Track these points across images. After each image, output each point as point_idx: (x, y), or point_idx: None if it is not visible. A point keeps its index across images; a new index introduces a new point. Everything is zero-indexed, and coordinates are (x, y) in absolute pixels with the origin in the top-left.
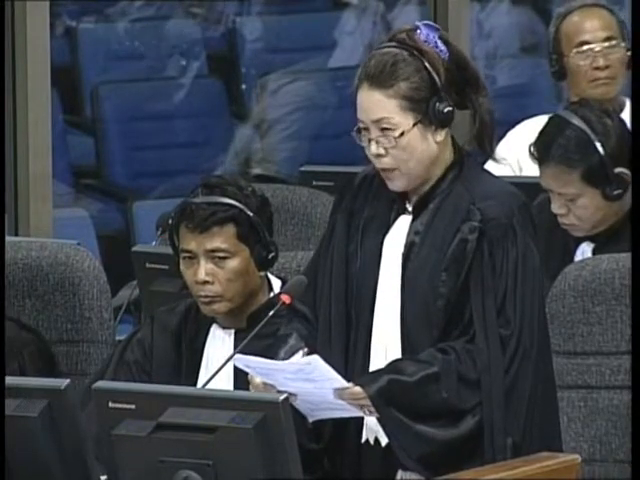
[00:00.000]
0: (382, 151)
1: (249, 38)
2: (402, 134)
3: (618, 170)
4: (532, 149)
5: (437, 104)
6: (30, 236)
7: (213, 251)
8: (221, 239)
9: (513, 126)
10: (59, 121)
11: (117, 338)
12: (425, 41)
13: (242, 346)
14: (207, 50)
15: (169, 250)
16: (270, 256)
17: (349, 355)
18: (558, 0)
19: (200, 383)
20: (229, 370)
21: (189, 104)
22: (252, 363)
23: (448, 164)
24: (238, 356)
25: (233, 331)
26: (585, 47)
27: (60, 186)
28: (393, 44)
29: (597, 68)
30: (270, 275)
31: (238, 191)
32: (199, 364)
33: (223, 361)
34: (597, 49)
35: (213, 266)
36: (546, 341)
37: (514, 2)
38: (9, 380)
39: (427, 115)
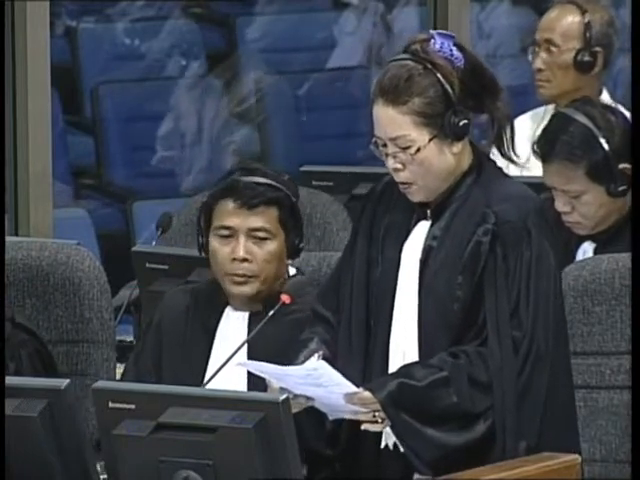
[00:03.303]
0: (399, 166)
1: (249, 38)
2: (418, 150)
3: (622, 166)
4: (535, 147)
5: (452, 118)
6: (30, 236)
7: (256, 230)
8: (265, 219)
9: None
10: (59, 121)
11: (117, 338)
12: (439, 51)
13: (243, 343)
14: (207, 50)
15: (169, 250)
16: (300, 245)
17: (367, 360)
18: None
19: (212, 363)
20: (242, 358)
21: None
22: (264, 368)
23: (465, 169)
24: (250, 362)
25: (247, 314)
26: (530, 47)
27: (60, 186)
28: (407, 56)
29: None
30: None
31: (279, 176)
32: (211, 344)
33: (235, 342)
34: (537, 50)
35: (252, 245)
36: (565, 343)
37: (514, 2)
38: (9, 380)
39: (443, 129)
